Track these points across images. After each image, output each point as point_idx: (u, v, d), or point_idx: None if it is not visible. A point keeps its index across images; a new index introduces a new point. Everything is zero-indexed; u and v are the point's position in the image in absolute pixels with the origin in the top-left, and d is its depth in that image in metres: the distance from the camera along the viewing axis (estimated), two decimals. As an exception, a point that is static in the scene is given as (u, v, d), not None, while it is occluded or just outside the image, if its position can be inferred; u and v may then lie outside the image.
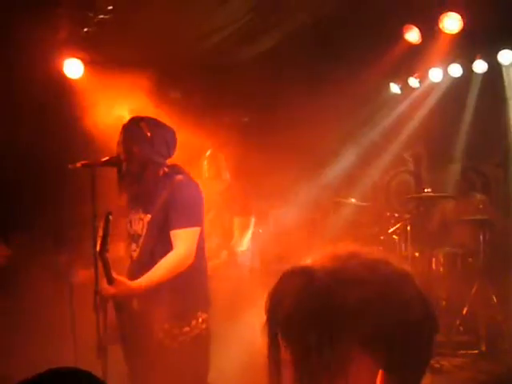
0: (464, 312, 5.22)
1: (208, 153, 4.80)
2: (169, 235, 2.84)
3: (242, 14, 5.42)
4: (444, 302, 5.40)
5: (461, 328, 5.23)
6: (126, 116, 3.31)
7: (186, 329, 2.84)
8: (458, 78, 6.47)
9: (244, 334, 3.73)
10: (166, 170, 2.95)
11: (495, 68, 6.21)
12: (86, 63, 5.30)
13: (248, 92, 6.11)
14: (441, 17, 5.48)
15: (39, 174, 5.07)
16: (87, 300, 2.74)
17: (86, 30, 4.96)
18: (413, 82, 6.84)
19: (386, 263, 1.07)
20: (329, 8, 5.44)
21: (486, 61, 6.16)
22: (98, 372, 0.95)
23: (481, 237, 5.36)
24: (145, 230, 2.90)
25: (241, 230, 4.73)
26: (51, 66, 5.16)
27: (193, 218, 2.87)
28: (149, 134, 2.87)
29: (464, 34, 5.51)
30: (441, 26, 5.53)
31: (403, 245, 5.77)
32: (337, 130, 6.55)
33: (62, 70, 5.26)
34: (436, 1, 5.52)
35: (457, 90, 6.54)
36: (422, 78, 6.77)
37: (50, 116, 5.14)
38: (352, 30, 5.59)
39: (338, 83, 5.91)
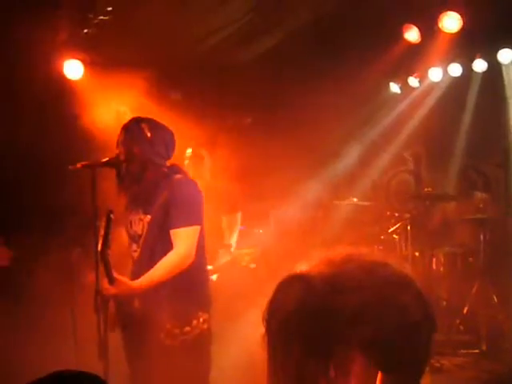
0: (464, 311, 5.23)
1: (189, 151, 4.62)
2: (169, 235, 2.84)
3: (242, 13, 5.42)
4: (444, 302, 5.40)
5: (461, 327, 5.24)
6: (126, 117, 3.32)
7: (187, 328, 2.84)
8: (458, 77, 6.47)
9: (245, 333, 3.73)
10: (165, 170, 2.96)
11: (495, 67, 6.21)
12: (85, 64, 5.30)
13: (249, 92, 6.11)
14: (440, 16, 5.48)
15: (40, 175, 5.08)
16: (89, 300, 2.75)
17: (85, 31, 4.96)
18: (412, 81, 6.85)
19: (384, 265, 1.07)
20: (329, 8, 5.45)
21: (486, 60, 6.16)
22: (99, 372, 0.95)
23: (481, 236, 5.36)
24: (145, 231, 2.90)
25: (230, 227, 4.77)
26: (51, 67, 5.16)
27: (192, 216, 2.87)
28: (149, 135, 2.89)
29: (464, 33, 5.51)
30: (440, 25, 5.53)
31: (403, 244, 5.78)
32: (337, 129, 6.55)
33: (62, 71, 5.26)
34: (435, 0, 5.52)
35: (457, 89, 6.54)
36: (422, 78, 6.77)
37: (50, 117, 5.15)
38: (351, 29, 5.59)
39: (338, 83, 5.92)
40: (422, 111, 6.82)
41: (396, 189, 6.76)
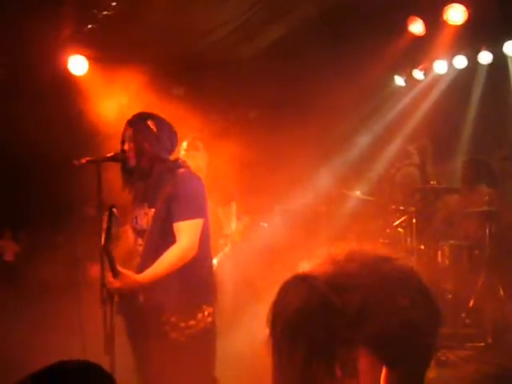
0: (470, 304, 5.21)
1: (185, 144, 4.45)
2: (172, 228, 2.86)
3: (245, 8, 5.41)
4: (450, 295, 5.39)
5: (467, 320, 5.22)
6: (129, 111, 3.33)
7: (192, 322, 2.85)
8: (463, 69, 6.43)
9: (250, 327, 3.74)
10: (170, 164, 2.98)
11: (501, 59, 6.18)
12: (90, 60, 5.31)
13: (254, 86, 6.10)
14: (445, 8, 5.45)
15: (45, 170, 5.10)
16: (96, 294, 2.76)
17: (90, 26, 4.96)
18: (417, 74, 6.81)
19: (388, 261, 1.07)
20: (333, 1, 5.42)
21: (492, 52, 6.13)
22: (105, 365, 0.96)
23: (487, 229, 5.33)
24: (150, 225, 2.91)
25: (226, 218, 4.80)
26: (56, 63, 5.17)
27: (194, 209, 2.88)
28: (155, 130, 2.93)
29: (469, 25, 5.48)
30: (445, 17, 5.50)
31: (408, 238, 5.76)
32: (342, 123, 6.53)
33: (66, 67, 5.27)
34: (440, -8, 5.49)
35: (462, 81, 6.51)
36: (427, 70, 6.74)
37: (54, 113, 5.16)
38: (356, 22, 5.57)
39: (342, 76, 5.90)
40: (427, 104, 6.78)
41: (401, 182, 6.73)
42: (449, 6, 5.44)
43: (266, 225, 5.99)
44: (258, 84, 6.04)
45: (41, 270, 4.25)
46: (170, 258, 2.82)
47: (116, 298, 2.77)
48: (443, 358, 4.58)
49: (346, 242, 1.11)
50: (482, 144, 6.44)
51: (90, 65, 5.32)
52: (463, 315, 5.20)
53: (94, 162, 2.87)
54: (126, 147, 2.93)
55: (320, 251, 1.09)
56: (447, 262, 5.59)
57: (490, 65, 6.25)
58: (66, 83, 5.24)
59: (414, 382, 1.05)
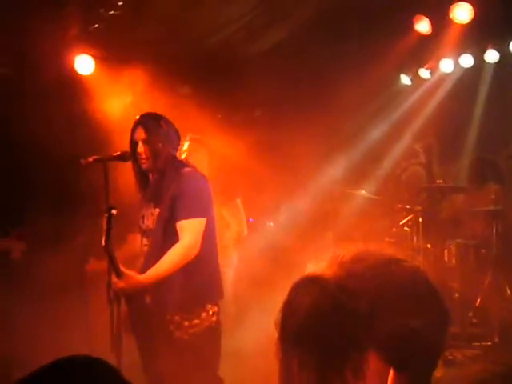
0: (477, 304, 5.20)
1: (186, 144, 4.31)
2: (176, 228, 2.86)
3: (250, 7, 5.41)
4: (457, 294, 5.38)
5: (474, 320, 5.21)
6: (135, 111, 3.34)
7: (196, 321, 2.86)
8: (470, 68, 6.41)
9: (255, 326, 3.74)
10: (176, 164, 2.99)
11: (507, 57, 6.15)
12: (96, 59, 5.32)
13: (258, 86, 6.10)
14: (451, 7, 5.43)
15: (51, 168, 5.12)
16: (101, 291, 2.77)
17: (96, 26, 4.97)
18: (424, 72, 6.79)
19: (396, 262, 1.07)
20: (338, 0, 5.41)
21: (498, 50, 6.10)
22: (112, 362, 0.96)
23: (494, 228, 5.32)
24: (155, 224, 2.92)
25: (232, 216, 4.74)
26: (62, 63, 5.18)
27: (198, 208, 2.89)
28: (166, 130, 2.94)
29: (475, 23, 5.45)
30: (451, 15, 5.48)
31: (415, 237, 5.74)
32: (348, 122, 6.52)
33: (73, 67, 5.28)
34: (446, -9, 5.47)
35: (468, 80, 6.49)
36: (433, 69, 6.72)
37: (61, 112, 5.17)
38: (362, 21, 5.56)
39: (348, 75, 5.89)
40: (433, 103, 6.76)
41: (407, 181, 6.71)
42: (455, 4, 5.42)
43: (271, 224, 6.00)
44: (263, 83, 6.03)
45: (48, 268, 4.26)
46: (172, 257, 2.82)
47: (123, 298, 2.78)
48: (450, 357, 4.57)
49: (352, 243, 1.11)
50: (488, 143, 6.41)
51: (96, 64, 5.33)
52: (470, 314, 5.19)
53: (100, 160, 2.87)
54: (141, 149, 2.92)
55: (327, 253, 1.09)
56: (454, 261, 5.58)
57: (497, 63, 6.22)
58: (73, 83, 5.25)
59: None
